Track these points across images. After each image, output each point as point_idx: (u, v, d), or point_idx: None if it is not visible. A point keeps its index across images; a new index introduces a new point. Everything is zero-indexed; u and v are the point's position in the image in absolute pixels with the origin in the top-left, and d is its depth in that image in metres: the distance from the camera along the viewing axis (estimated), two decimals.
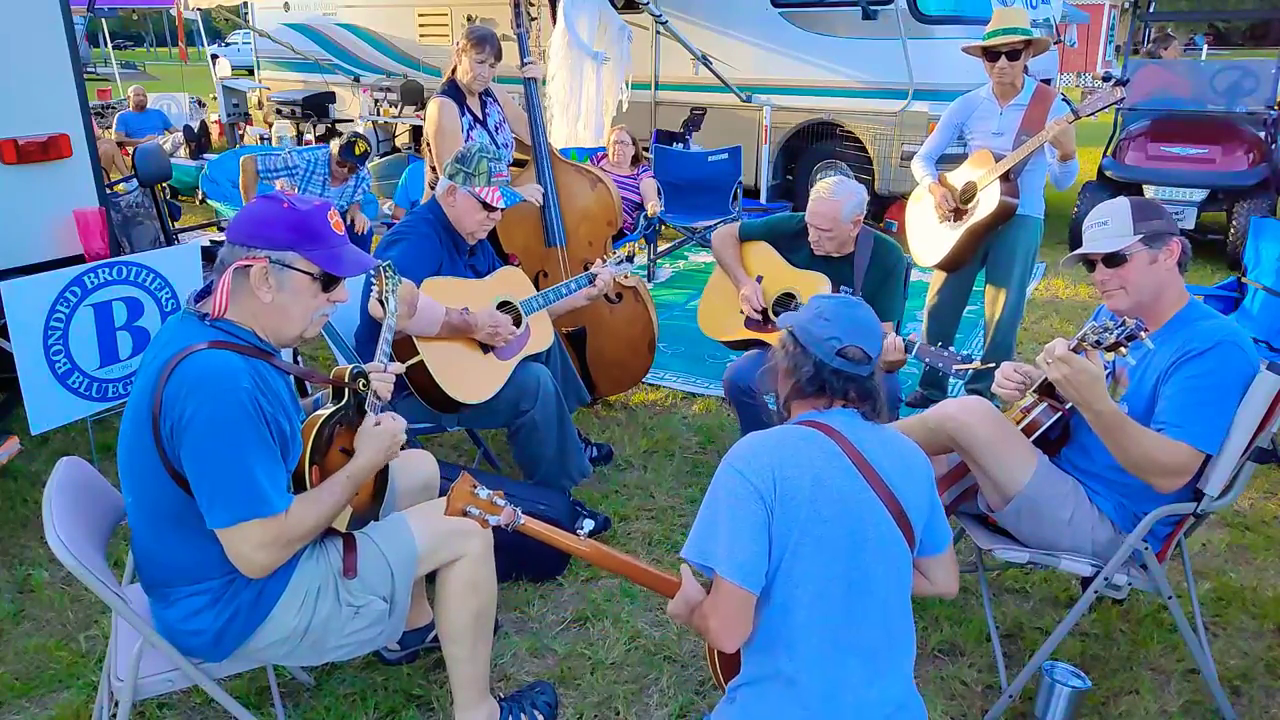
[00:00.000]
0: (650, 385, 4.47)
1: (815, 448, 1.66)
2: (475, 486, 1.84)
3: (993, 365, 2.93)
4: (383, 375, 2.07)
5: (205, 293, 1.85)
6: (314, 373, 2.03)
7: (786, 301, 3.33)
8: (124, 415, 1.80)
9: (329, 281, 1.85)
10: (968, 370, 2.88)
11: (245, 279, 1.79)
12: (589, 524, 1.84)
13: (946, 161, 4.06)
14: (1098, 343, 1.93)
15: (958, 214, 3.80)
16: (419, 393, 2.91)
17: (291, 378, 1.96)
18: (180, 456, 1.70)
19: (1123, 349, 1.91)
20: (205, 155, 9.37)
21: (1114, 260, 2.16)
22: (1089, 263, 2.22)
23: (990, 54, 3.70)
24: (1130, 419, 2.04)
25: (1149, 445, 2.03)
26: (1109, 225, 2.18)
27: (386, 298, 2.23)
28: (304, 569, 1.89)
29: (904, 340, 2.95)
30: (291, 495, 1.80)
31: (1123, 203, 2.20)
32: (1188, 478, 2.07)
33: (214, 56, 13.73)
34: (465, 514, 1.84)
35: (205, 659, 1.87)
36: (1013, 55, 3.67)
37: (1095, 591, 2.22)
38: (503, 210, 3.02)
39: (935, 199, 3.87)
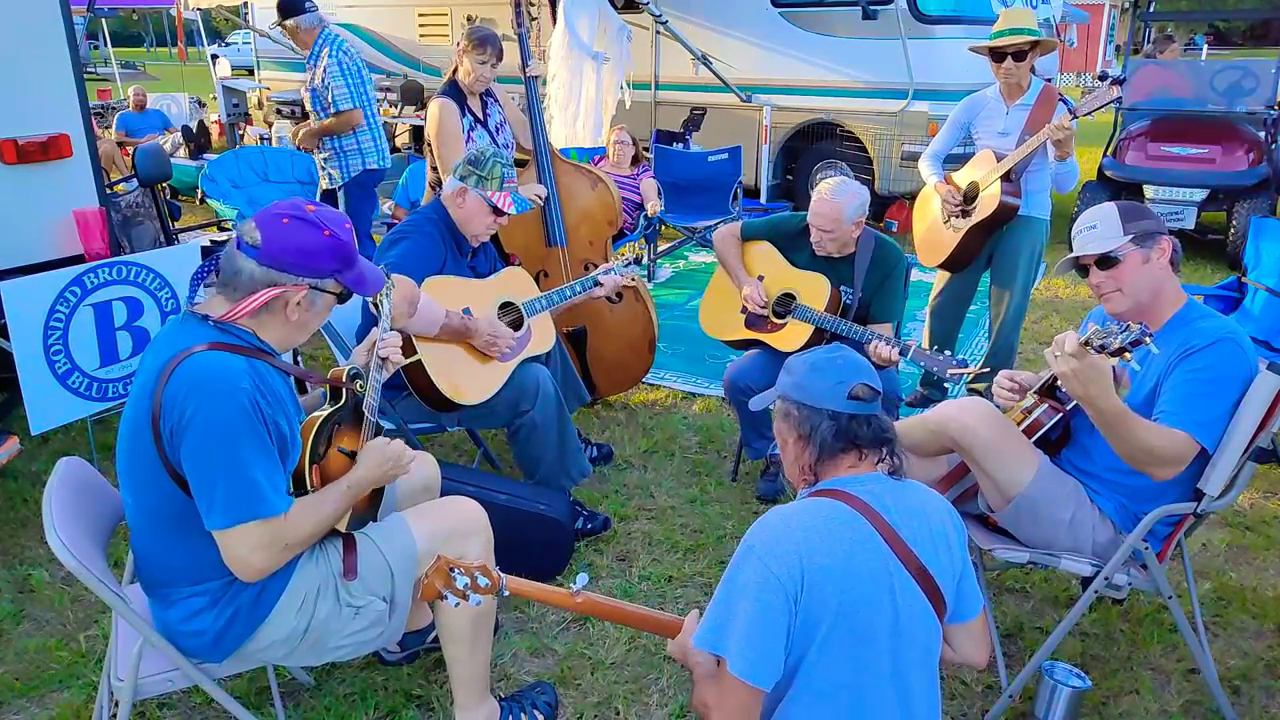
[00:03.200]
0: (650, 385, 4.47)
1: (847, 529, 1.54)
2: (453, 570, 1.72)
3: (988, 370, 2.94)
4: (386, 341, 2.08)
5: (197, 284, 1.86)
6: (312, 374, 2.03)
7: (787, 302, 3.33)
8: (122, 417, 1.80)
9: (346, 295, 1.90)
10: (963, 375, 2.88)
11: (279, 303, 1.80)
12: (583, 577, 1.77)
13: (951, 161, 4.07)
14: (1102, 347, 1.92)
15: (963, 213, 3.81)
16: (418, 393, 2.91)
17: (291, 378, 1.97)
18: (180, 458, 1.70)
19: (1127, 354, 1.90)
20: (205, 155, 9.37)
21: (1107, 262, 2.16)
22: (1083, 268, 2.23)
23: (997, 54, 3.70)
24: (1131, 412, 2.04)
25: (1148, 437, 2.02)
26: (1098, 229, 2.19)
27: (381, 301, 2.23)
28: (304, 570, 1.89)
29: (901, 344, 2.97)
30: (291, 497, 1.79)
31: (1110, 206, 2.21)
32: (1182, 466, 2.07)
33: (214, 56, 13.74)
34: (442, 598, 1.74)
35: (205, 659, 1.87)
36: (1019, 56, 3.67)
37: (1095, 591, 2.22)
38: (510, 216, 3.03)
39: (941, 197, 3.88)
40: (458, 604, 1.73)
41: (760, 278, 3.39)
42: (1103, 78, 4.05)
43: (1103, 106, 3.59)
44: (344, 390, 1.97)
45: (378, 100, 9.69)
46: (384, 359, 2.08)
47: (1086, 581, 2.26)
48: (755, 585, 1.49)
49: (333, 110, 4.77)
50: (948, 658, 1.73)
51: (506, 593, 1.76)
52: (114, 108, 11.19)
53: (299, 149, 5.29)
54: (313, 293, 1.82)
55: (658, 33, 7.69)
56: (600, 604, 1.81)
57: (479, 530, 2.11)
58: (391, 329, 2.15)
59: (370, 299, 2.28)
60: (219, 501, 1.69)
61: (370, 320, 2.93)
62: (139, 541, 1.87)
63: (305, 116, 5.10)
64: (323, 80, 4.73)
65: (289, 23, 4.76)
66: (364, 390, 2.02)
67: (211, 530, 1.72)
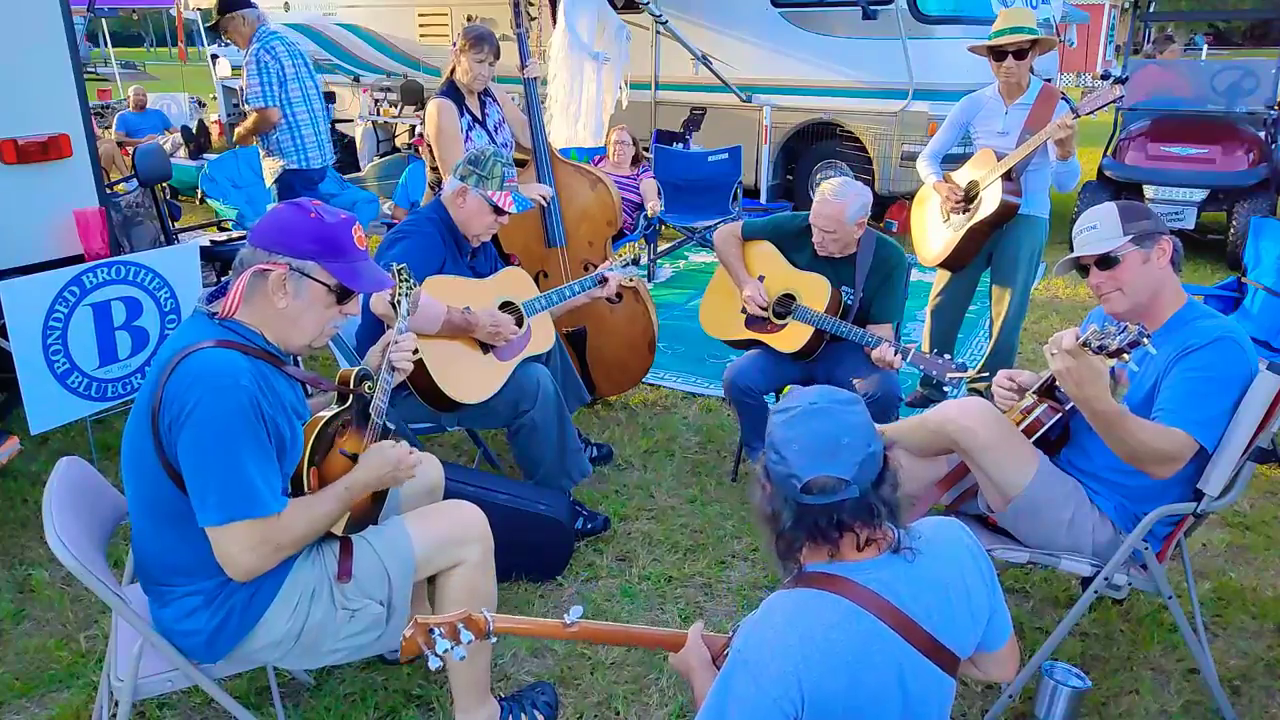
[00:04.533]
0: (650, 385, 4.47)
1: (850, 632, 1.39)
2: (432, 629, 1.63)
3: (986, 374, 2.94)
4: (400, 345, 2.06)
5: (220, 293, 1.85)
6: (321, 379, 2.03)
7: (788, 303, 3.33)
8: (130, 411, 1.81)
9: (344, 294, 1.86)
10: (962, 378, 2.88)
11: (262, 283, 1.79)
12: (577, 610, 1.71)
13: (950, 161, 4.06)
14: (1100, 348, 1.92)
15: (963, 211, 3.81)
16: (418, 392, 2.91)
17: (298, 383, 1.96)
18: (176, 452, 1.70)
19: (1125, 355, 1.90)
20: (205, 155, 9.37)
21: (1107, 263, 2.16)
22: (1082, 268, 2.23)
23: (997, 53, 3.70)
24: (1127, 411, 2.04)
25: (1145, 435, 2.02)
26: (1099, 229, 2.19)
27: (399, 300, 2.22)
28: (299, 571, 1.89)
29: (901, 347, 2.97)
30: (286, 499, 1.79)
31: (1110, 207, 2.21)
32: (1181, 464, 2.07)
33: (214, 56, 13.72)
34: (424, 658, 1.66)
35: (200, 659, 1.87)
36: (1019, 54, 3.67)
37: (1095, 591, 2.22)
38: (511, 215, 3.03)
39: (941, 195, 3.88)
40: (439, 665, 1.65)
41: (761, 278, 3.39)
42: (1105, 77, 4.06)
43: (1105, 105, 3.59)
44: (351, 392, 1.97)
45: (378, 100, 9.77)
46: (395, 367, 2.06)
47: (1086, 581, 2.26)
48: (749, 705, 1.37)
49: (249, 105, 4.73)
50: (975, 676, 1.68)
51: (495, 639, 1.69)
52: (114, 108, 11.20)
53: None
54: (294, 274, 1.79)
55: (658, 33, 7.69)
56: (597, 630, 1.72)
57: (479, 537, 2.10)
58: (407, 329, 2.14)
59: (389, 296, 2.29)
60: (212, 498, 1.69)
61: (371, 320, 2.92)
62: (138, 537, 1.87)
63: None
64: (248, 75, 4.68)
65: (234, 16, 4.63)
66: (373, 392, 2.01)
67: (203, 526, 1.72)
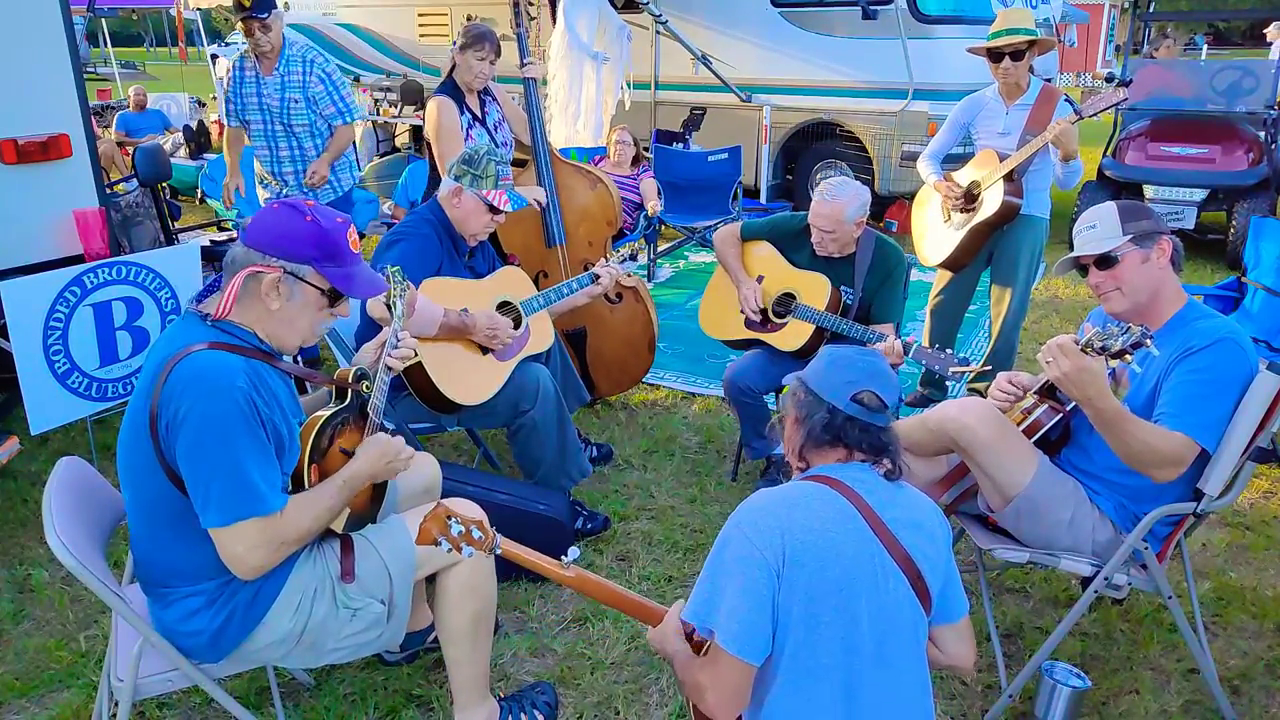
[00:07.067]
0: (650, 385, 4.47)
1: (830, 509, 1.57)
2: (450, 518, 1.78)
3: (989, 369, 2.93)
4: (399, 350, 2.07)
5: (208, 292, 1.85)
6: (316, 374, 2.03)
7: (787, 302, 3.33)
8: (125, 415, 1.81)
9: (335, 297, 1.87)
10: (964, 373, 2.88)
11: (256, 284, 1.79)
12: (574, 551, 1.78)
13: (951, 161, 4.06)
14: (1103, 349, 1.92)
15: (963, 210, 3.81)
16: (418, 393, 2.91)
17: (293, 381, 1.96)
18: (175, 456, 1.70)
19: (1128, 356, 1.89)
20: (205, 155, 9.37)
21: (1106, 262, 2.16)
22: (1082, 267, 2.23)
23: (994, 55, 3.70)
24: (1129, 413, 2.04)
25: (1147, 437, 2.03)
26: (1098, 229, 2.19)
27: (394, 302, 2.22)
28: (301, 571, 1.89)
29: (902, 342, 2.97)
30: (287, 496, 1.79)
31: (1110, 206, 2.22)
32: (1183, 468, 2.07)
33: (214, 56, 13.72)
34: (436, 543, 1.78)
35: (202, 660, 1.87)
36: (1016, 55, 3.67)
37: (1095, 591, 2.22)
38: (507, 213, 3.03)
39: (940, 194, 3.88)
40: (449, 549, 1.75)
41: (760, 278, 3.39)
42: (1109, 79, 4.07)
43: (1109, 108, 3.58)
44: (349, 390, 1.97)
45: (378, 100, 9.78)
46: (389, 366, 2.07)
47: (1086, 581, 2.26)
48: (740, 560, 1.52)
49: (344, 121, 4.58)
50: (935, 659, 1.73)
51: (499, 550, 1.81)
52: (114, 108, 11.19)
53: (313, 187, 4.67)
54: (289, 278, 1.79)
55: (658, 33, 7.69)
56: (589, 580, 1.84)
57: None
58: (402, 332, 2.14)
59: (383, 298, 2.28)
60: (214, 499, 1.69)
61: (369, 323, 2.92)
62: (137, 540, 1.87)
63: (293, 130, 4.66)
64: (328, 88, 4.55)
65: (275, 13, 4.39)
66: (370, 391, 2.01)
67: (207, 528, 1.72)
